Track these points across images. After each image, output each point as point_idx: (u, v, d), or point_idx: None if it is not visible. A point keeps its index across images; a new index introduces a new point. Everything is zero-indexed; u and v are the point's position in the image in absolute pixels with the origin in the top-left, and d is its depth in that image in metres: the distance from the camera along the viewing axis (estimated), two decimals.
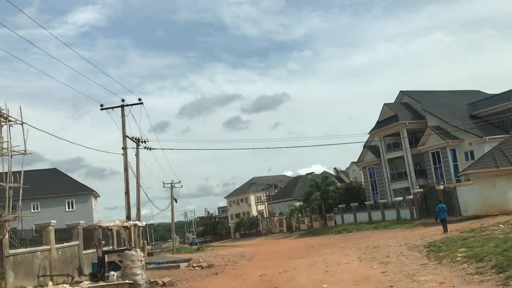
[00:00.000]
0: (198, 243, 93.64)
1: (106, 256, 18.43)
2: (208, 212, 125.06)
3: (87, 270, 21.92)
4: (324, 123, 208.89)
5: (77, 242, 22.01)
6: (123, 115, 23.44)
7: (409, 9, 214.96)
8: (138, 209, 27.16)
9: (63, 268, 19.74)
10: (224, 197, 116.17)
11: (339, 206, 57.04)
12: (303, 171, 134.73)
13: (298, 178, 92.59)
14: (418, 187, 47.99)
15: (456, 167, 44.79)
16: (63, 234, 21.17)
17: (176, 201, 58.84)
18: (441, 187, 37.74)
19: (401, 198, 46.38)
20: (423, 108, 49.12)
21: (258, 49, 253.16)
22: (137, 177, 26.02)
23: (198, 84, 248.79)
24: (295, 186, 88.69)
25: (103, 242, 21.41)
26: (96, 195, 65.41)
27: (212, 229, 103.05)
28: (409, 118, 49.69)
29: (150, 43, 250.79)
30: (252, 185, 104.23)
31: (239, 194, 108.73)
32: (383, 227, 41.28)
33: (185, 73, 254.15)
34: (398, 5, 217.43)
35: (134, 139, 24.27)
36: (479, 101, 49.42)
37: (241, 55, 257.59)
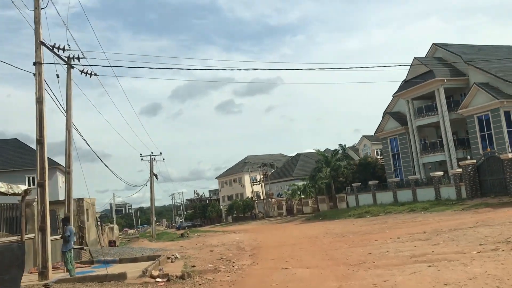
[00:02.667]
0: (186, 227, 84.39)
1: None
2: (198, 194, 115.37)
3: None
4: (317, 107, 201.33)
5: None
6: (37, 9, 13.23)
7: None
8: (68, 172, 16.90)
9: None
10: (216, 178, 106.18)
11: (353, 185, 47.30)
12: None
13: (298, 155, 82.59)
14: (456, 160, 38.31)
15: (510, 134, 35.00)
16: None
17: (156, 177, 48.78)
18: (510, 155, 27.91)
19: (441, 172, 36.56)
20: (466, 61, 39.05)
21: (251, 33, 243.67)
22: (67, 116, 15.66)
23: (190, 67, 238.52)
24: (295, 164, 78.77)
25: None
26: (64, 170, 55.08)
27: (201, 212, 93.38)
28: (447, 75, 39.67)
29: (142, 26, 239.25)
30: (246, 164, 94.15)
31: (232, 174, 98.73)
32: (423, 209, 31.56)
33: (178, 56, 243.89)
34: None
35: (55, 49, 13.91)
36: None
37: (234, 39, 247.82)
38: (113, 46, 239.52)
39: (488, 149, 32.83)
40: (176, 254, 19.27)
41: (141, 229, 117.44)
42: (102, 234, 32.56)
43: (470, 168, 31.27)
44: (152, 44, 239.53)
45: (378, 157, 58.18)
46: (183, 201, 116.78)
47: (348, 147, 71.76)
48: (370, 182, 44.25)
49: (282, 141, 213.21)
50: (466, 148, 39.32)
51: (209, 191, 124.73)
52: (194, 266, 14.59)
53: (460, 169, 32.14)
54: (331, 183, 50.54)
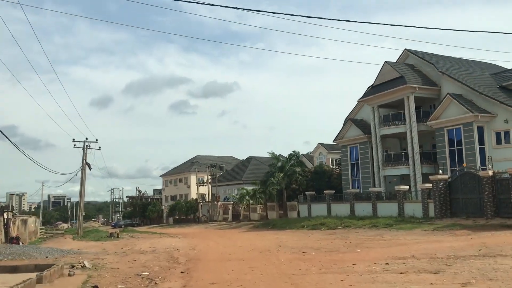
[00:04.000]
0: (123, 226, 78.35)
1: None
2: (140, 192, 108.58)
3: None
4: (271, 115, 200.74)
5: None
6: None
7: (363, 15, 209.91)
8: None
9: None
10: (160, 176, 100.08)
11: (307, 193, 43.63)
12: None
13: (250, 159, 78.38)
14: (421, 175, 35.45)
15: (482, 151, 32.40)
16: None
17: (89, 167, 42.98)
18: (490, 172, 24.86)
19: (407, 187, 33.40)
20: (440, 70, 36.36)
21: (212, 36, 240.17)
22: None
23: (147, 63, 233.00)
24: (245, 168, 74.48)
25: None
26: None
27: (141, 210, 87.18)
28: (419, 82, 36.81)
29: (101, 16, 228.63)
30: (194, 164, 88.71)
31: (178, 173, 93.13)
32: (386, 225, 28.03)
33: (134, 51, 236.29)
34: (352, 9, 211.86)
35: None
36: (509, 70, 37.50)
37: (194, 40, 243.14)
38: (68, 33, 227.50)
39: (464, 164, 29.91)
40: (85, 262, 14.42)
41: (75, 224, 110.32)
42: (5, 228, 26.77)
43: (441, 184, 28.11)
44: (109, 36, 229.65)
45: (334, 167, 55.01)
46: (123, 198, 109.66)
47: (303, 154, 68.48)
48: (325, 192, 40.67)
49: (233, 146, 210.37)
50: (432, 163, 36.57)
51: (154, 190, 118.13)
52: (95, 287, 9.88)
53: (430, 184, 28.95)
54: (283, 190, 46.67)
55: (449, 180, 28.47)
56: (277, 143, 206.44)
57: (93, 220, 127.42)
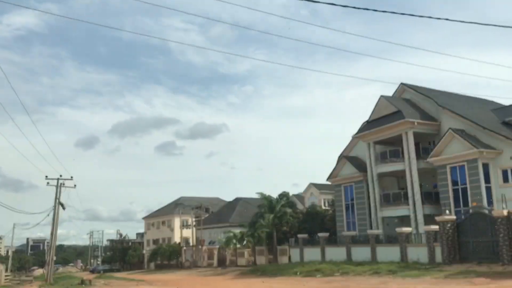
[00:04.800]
0: (101, 271, 73.66)
1: None
2: (121, 235, 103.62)
3: None
4: (260, 157, 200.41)
5: None
6: None
7: (349, 59, 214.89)
8: None
9: None
10: (142, 218, 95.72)
11: (299, 236, 40.51)
12: None
13: (237, 200, 75.10)
14: (423, 216, 32.84)
15: (489, 190, 30.00)
16: None
17: (63, 208, 39.51)
18: (504, 212, 22.28)
19: (410, 229, 30.61)
20: (440, 104, 34.47)
21: (200, 78, 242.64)
22: None
23: (134, 104, 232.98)
24: (232, 210, 71.13)
25: None
26: None
27: (121, 255, 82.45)
28: (418, 117, 34.78)
29: (90, 57, 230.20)
30: (178, 205, 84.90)
31: (161, 215, 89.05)
32: (389, 271, 25.09)
33: (122, 92, 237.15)
34: (339, 54, 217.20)
35: None
36: (511, 105, 35.77)
37: (182, 81, 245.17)
38: (56, 74, 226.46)
39: (475, 203, 27.38)
40: None
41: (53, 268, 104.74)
42: None
43: (449, 225, 25.43)
44: (97, 77, 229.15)
45: (326, 207, 52.13)
46: (103, 241, 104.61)
47: (293, 195, 65.61)
48: (319, 235, 37.61)
49: (221, 188, 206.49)
50: (433, 203, 33.99)
51: (137, 234, 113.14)
52: None
53: (436, 226, 26.24)
54: (273, 233, 43.49)
55: (457, 221, 25.80)
56: (265, 185, 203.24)
57: (71, 265, 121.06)
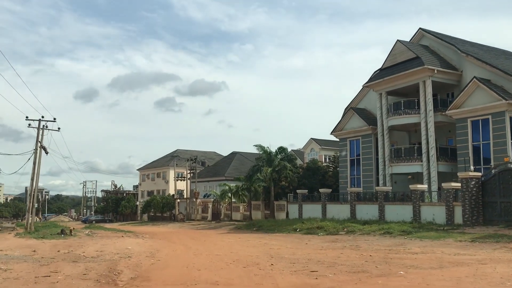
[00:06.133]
0: (94, 221, 72.07)
1: None
2: (115, 186, 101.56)
3: None
4: (258, 117, 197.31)
5: None
6: None
7: (352, 21, 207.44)
8: None
9: None
10: (137, 169, 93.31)
11: (298, 191, 37.83)
12: None
13: (234, 154, 72.40)
14: (437, 173, 29.94)
15: None
16: None
17: (46, 151, 36.38)
18: None
19: (425, 186, 27.73)
20: (463, 51, 30.86)
21: (200, 35, 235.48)
22: None
23: (134, 59, 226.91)
24: (229, 164, 68.56)
25: None
26: None
27: (114, 206, 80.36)
28: (438, 65, 31.22)
29: (89, 9, 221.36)
30: (174, 157, 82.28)
31: (156, 167, 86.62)
32: (402, 232, 22.32)
33: (122, 46, 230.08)
34: (341, 15, 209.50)
35: None
36: None
37: (182, 38, 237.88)
38: (55, 25, 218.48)
39: (507, 158, 24.27)
40: None
41: (48, 217, 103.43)
42: None
43: (473, 183, 22.45)
44: (97, 29, 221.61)
45: (327, 164, 49.24)
46: (96, 192, 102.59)
47: (292, 150, 62.70)
48: (321, 190, 34.86)
49: (218, 145, 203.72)
50: (449, 160, 31.02)
51: (134, 186, 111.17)
52: None
53: (458, 184, 23.27)
54: (271, 187, 40.73)
55: (483, 179, 22.82)
56: (262, 143, 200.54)
57: (65, 215, 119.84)
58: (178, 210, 59.72)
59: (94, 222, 70.74)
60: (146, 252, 17.80)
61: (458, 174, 23.83)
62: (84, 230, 38.64)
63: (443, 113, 30.46)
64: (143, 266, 13.16)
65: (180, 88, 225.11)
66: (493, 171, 22.42)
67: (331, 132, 39.94)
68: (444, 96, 32.70)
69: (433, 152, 30.58)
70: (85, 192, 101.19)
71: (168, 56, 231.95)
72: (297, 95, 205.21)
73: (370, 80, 35.32)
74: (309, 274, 10.45)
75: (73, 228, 34.54)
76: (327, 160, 52.77)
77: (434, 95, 31.75)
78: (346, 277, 9.97)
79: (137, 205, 78.94)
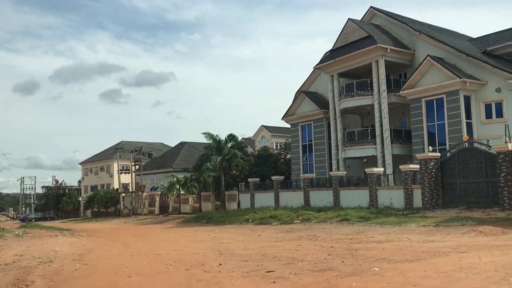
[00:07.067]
0: (33, 220, 67.24)
1: None
2: (57, 182, 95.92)
3: None
4: (207, 108, 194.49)
5: None
6: None
7: (299, 11, 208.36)
8: None
9: None
10: (79, 163, 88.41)
11: (250, 180, 36.02)
12: None
13: (182, 145, 69.57)
14: (391, 156, 29.00)
15: (469, 126, 26.25)
16: None
17: None
18: (509, 146, 18.24)
19: (381, 169, 26.55)
20: (416, 29, 29.92)
21: (146, 24, 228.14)
22: None
23: (77, 49, 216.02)
24: (177, 155, 65.81)
25: None
26: None
27: (55, 202, 75.54)
28: (390, 44, 30.13)
29: None
30: (118, 150, 78.25)
31: (100, 160, 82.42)
32: (360, 218, 20.94)
33: (64, 36, 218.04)
34: (288, 5, 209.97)
35: None
36: (491, 34, 31.81)
37: (127, 27, 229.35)
38: None
39: (466, 137, 23.32)
40: None
41: None
42: None
43: (432, 164, 21.36)
44: (36, 19, 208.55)
45: (279, 151, 47.72)
46: (35, 188, 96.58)
47: (243, 138, 60.81)
48: (273, 178, 33.19)
49: (167, 136, 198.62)
50: (403, 142, 30.14)
51: (78, 181, 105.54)
52: None
53: (416, 166, 22.15)
54: (221, 177, 38.68)
55: (441, 159, 21.79)
56: (213, 133, 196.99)
57: (2, 213, 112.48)
58: (124, 204, 56.44)
59: (33, 220, 66.07)
60: (75, 254, 15.29)
61: (417, 155, 22.77)
62: (16, 230, 35.15)
63: (397, 93, 29.46)
64: (63, 274, 10.78)
65: (126, 79, 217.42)
66: (452, 151, 21.41)
67: (282, 118, 38.30)
68: (397, 76, 31.76)
69: (387, 134, 29.56)
70: (23, 189, 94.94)
71: (113, 46, 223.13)
72: (247, 84, 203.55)
73: (321, 61, 33.85)
74: (264, 276, 8.50)
75: (3, 228, 31.08)
76: (279, 147, 51.30)
77: (387, 76, 30.66)
78: (310, 278, 8.09)
79: (79, 200, 74.57)
